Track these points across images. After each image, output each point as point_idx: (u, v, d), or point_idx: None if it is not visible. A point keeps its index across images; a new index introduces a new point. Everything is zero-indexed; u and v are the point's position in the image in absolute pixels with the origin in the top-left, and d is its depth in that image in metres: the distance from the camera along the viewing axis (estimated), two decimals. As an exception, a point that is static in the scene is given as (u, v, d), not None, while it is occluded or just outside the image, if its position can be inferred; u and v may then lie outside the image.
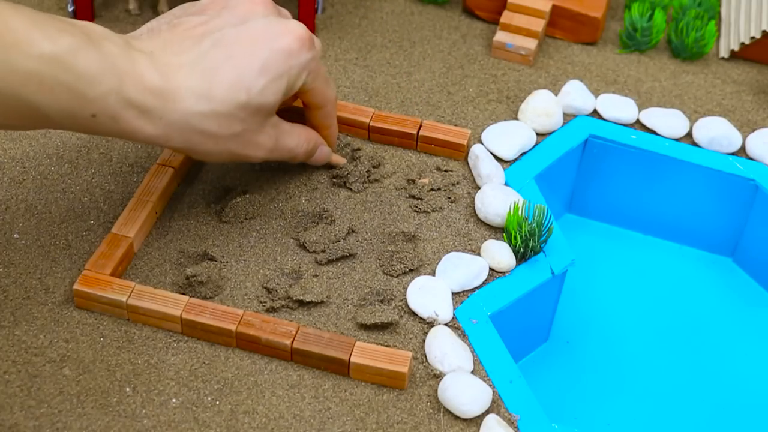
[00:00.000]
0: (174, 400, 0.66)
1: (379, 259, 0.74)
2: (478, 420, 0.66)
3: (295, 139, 0.74)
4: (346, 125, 0.83)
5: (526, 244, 0.75)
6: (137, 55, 0.65)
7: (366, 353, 0.67)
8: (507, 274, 0.74)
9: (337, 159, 0.80)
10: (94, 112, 0.64)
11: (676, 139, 0.86)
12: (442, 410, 0.67)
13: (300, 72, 0.70)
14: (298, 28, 0.70)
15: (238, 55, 0.68)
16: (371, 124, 0.82)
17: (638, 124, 0.87)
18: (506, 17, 0.93)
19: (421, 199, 0.78)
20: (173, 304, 0.69)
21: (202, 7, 0.72)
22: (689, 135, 0.87)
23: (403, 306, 0.71)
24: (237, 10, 0.71)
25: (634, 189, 0.88)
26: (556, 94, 0.88)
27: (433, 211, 0.78)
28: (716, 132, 0.86)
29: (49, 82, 0.61)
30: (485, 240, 0.76)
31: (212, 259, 0.73)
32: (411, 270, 0.74)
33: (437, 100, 0.88)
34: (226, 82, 0.67)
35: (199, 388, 0.67)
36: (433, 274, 0.74)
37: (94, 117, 0.64)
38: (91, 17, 0.92)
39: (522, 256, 0.75)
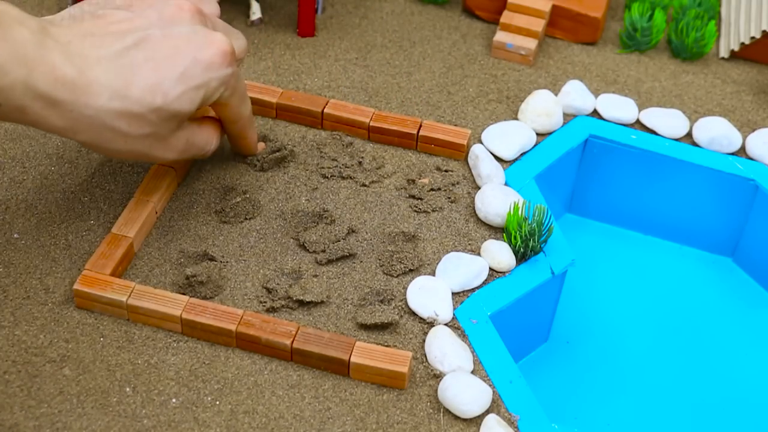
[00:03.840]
0: (174, 400, 0.66)
1: (379, 259, 0.74)
2: (478, 420, 0.66)
3: (205, 136, 0.74)
4: (346, 125, 0.83)
5: (526, 244, 0.75)
6: (51, 43, 0.63)
7: (366, 353, 0.67)
8: (507, 274, 0.74)
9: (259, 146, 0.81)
10: (0, 101, 0.62)
11: (676, 139, 0.86)
12: (442, 410, 0.67)
13: (218, 86, 0.70)
14: (222, 42, 0.69)
15: (160, 59, 0.67)
16: (371, 124, 0.82)
17: (638, 124, 0.87)
18: (506, 17, 0.93)
19: (421, 199, 0.78)
20: (173, 304, 0.69)
21: (128, 0, 0.70)
22: (689, 135, 0.87)
23: (403, 306, 0.71)
24: (163, 12, 0.69)
25: (634, 189, 0.88)
26: (556, 94, 0.87)
27: (433, 211, 0.78)
28: (716, 132, 0.86)
29: None
30: (485, 240, 0.76)
31: (212, 259, 0.73)
32: (411, 270, 0.74)
33: (437, 100, 0.88)
34: (144, 83, 0.66)
35: (199, 388, 0.67)
36: (433, 274, 0.74)
37: None
38: (91, 17, 0.92)
39: (522, 256, 0.75)
